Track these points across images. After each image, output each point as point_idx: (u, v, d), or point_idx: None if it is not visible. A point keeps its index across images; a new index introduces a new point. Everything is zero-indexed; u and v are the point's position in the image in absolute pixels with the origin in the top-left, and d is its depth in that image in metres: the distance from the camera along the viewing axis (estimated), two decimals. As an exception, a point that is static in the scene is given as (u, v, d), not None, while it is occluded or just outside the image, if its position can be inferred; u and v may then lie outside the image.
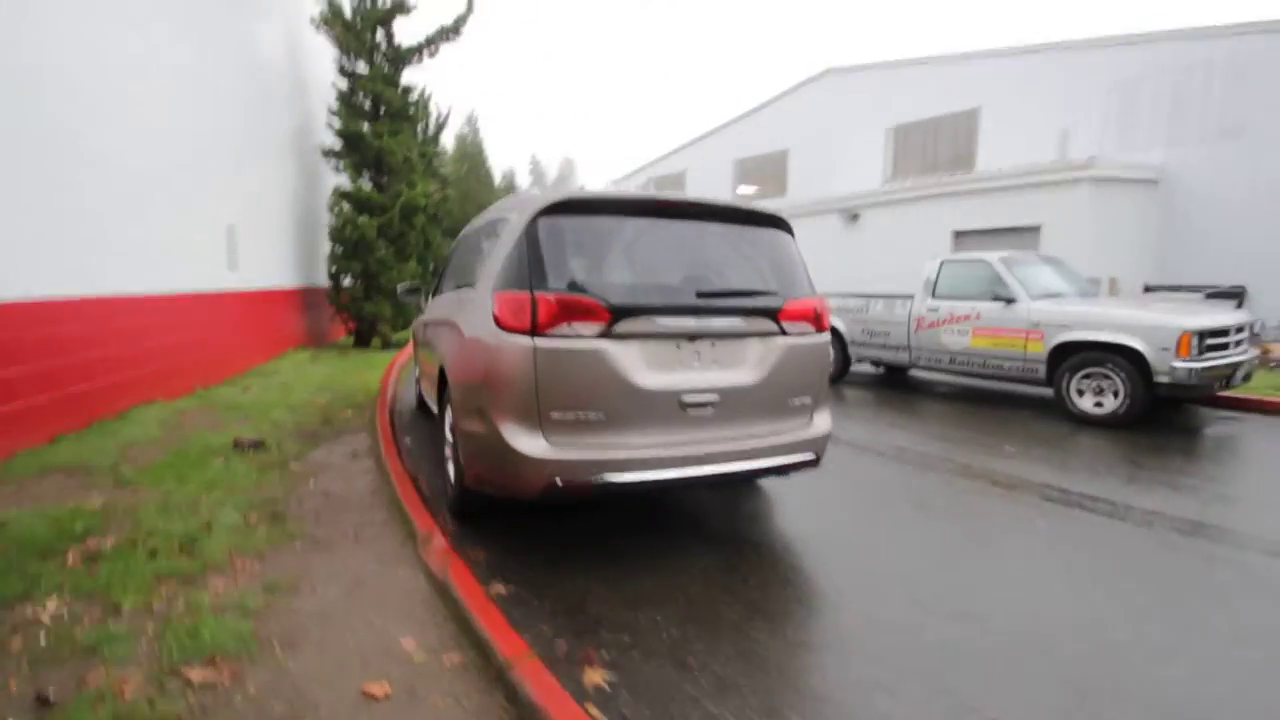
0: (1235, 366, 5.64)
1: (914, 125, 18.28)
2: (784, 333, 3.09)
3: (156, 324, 5.83)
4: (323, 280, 10.44)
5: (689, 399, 2.87)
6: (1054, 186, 12.62)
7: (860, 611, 2.48)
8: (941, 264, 7.37)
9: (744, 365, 3.01)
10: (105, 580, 2.47)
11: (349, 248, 9.71)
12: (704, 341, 2.92)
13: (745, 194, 23.21)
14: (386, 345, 10.54)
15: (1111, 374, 5.73)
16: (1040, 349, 6.21)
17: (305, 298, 9.97)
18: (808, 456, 3.15)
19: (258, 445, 4.62)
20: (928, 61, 18.04)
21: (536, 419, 2.71)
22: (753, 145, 22.50)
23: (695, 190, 24.63)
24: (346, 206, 9.67)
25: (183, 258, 6.37)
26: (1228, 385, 5.72)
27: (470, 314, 3.14)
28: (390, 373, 8.19)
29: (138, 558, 2.68)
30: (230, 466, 4.13)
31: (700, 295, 2.94)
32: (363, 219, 9.60)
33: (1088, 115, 15.08)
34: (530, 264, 2.82)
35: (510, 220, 3.09)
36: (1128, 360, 5.64)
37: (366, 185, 9.99)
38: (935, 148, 18.10)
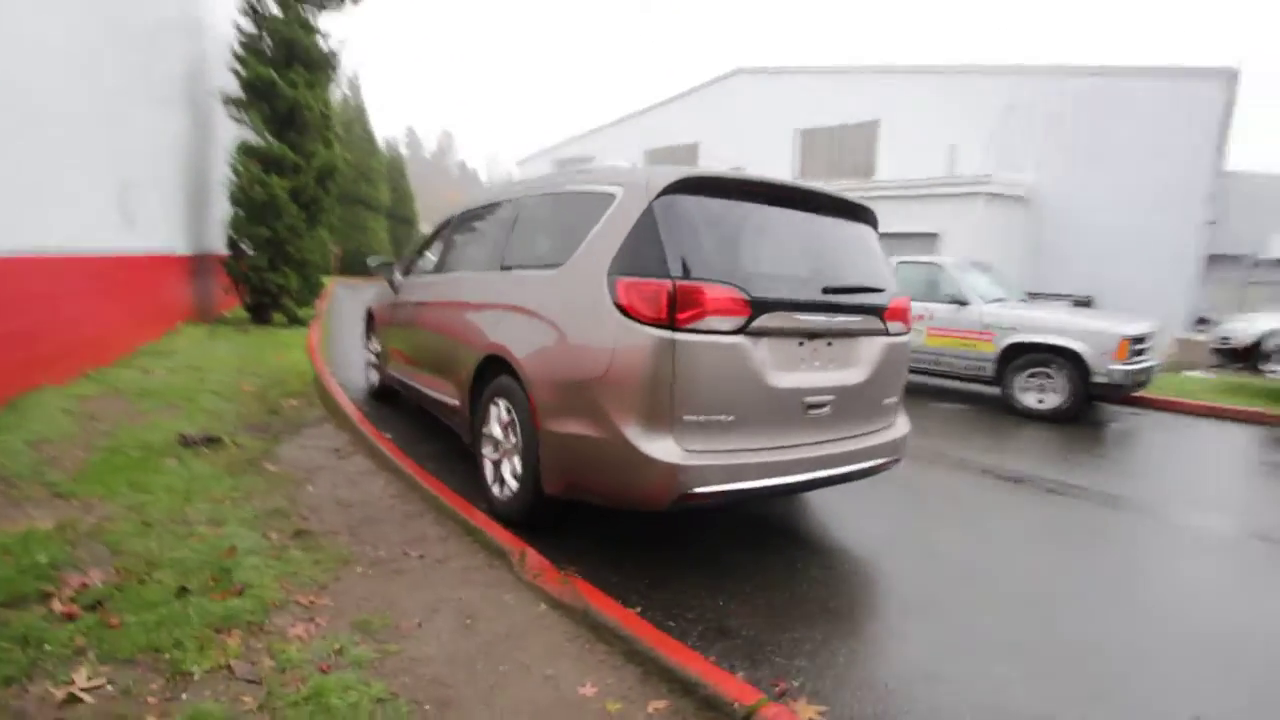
0: (1150, 369, 6.44)
1: (820, 130, 19.20)
2: (886, 331, 3.00)
3: (33, 292, 4.64)
4: (216, 246, 8.98)
5: (810, 400, 2.70)
6: (954, 198, 13.82)
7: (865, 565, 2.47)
8: (897, 264, 7.73)
9: (856, 365, 2.89)
10: (140, 634, 1.84)
11: (254, 211, 8.39)
12: (821, 340, 2.76)
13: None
14: (293, 321, 9.30)
15: (1054, 374, 6.32)
16: (991, 349, 6.71)
17: (194, 265, 8.52)
18: (895, 457, 3.11)
19: (212, 441, 3.81)
20: (833, 71, 19.01)
21: (669, 421, 2.41)
22: (663, 136, 22.56)
23: (604, 175, 24.24)
24: (253, 165, 8.35)
25: (57, 212, 5.11)
26: (1142, 386, 6.52)
27: (562, 300, 2.74)
28: (315, 354, 7.23)
29: (162, 598, 2.04)
30: (189, 468, 3.36)
31: (826, 291, 2.78)
32: (273, 179, 8.34)
33: (973, 134, 16.58)
34: (658, 248, 2.49)
35: (612, 194, 2.72)
36: (1069, 361, 6.24)
37: (276, 142, 8.68)
38: (840, 153, 19.15)
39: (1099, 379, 6.09)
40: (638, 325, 2.40)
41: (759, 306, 2.51)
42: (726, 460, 2.48)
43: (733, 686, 1.74)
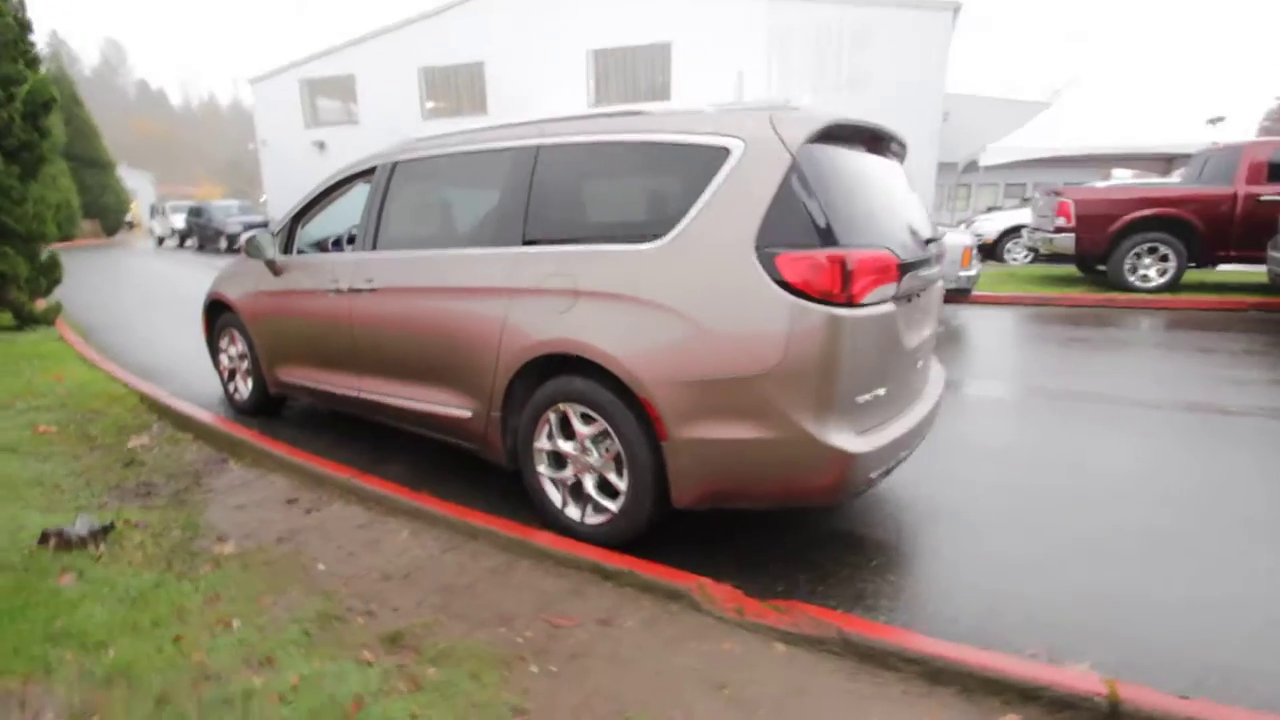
0: (978, 274, 7.63)
1: (613, 51, 18.72)
2: (941, 276, 3.03)
3: None
4: None
5: (917, 358, 2.65)
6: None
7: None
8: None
9: (930, 314, 2.88)
10: None
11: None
12: (918, 294, 2.68)
13: (433, 108, 20.93)
14: (26, 321, 6.75)
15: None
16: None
17: None
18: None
19: (100, 532, 2.60)
20: (621, -13, 18.41)
21: (846, 407, 2.17)
22: (442, 53, 20.17)
23: (374, 101, 21.22)
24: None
25: None
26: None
27: (681, 280, 2.24)
28: (108, 364, 5.39)
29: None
30: (110, 584, 2.25)
31: (926, 243, 2.67)
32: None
33: (757, 59, 17.49)
34: (813, 211, 2.13)
35: (724, 148, 2.24)
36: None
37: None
38: (634, 76, 18.94)
39: (949, 285, 7.05)
40: (814, 304, 2.07)
41: (904, 269, 2.33)
42: (889, 437, 2.33)
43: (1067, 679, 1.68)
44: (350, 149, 21.91)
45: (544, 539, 2.47)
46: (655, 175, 2.48)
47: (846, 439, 2.16)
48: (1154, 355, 5.85)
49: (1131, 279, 8.39)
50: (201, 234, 19.86)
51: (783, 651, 1.93)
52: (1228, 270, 9.31)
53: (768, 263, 2.10)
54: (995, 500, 2.97)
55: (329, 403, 3.72)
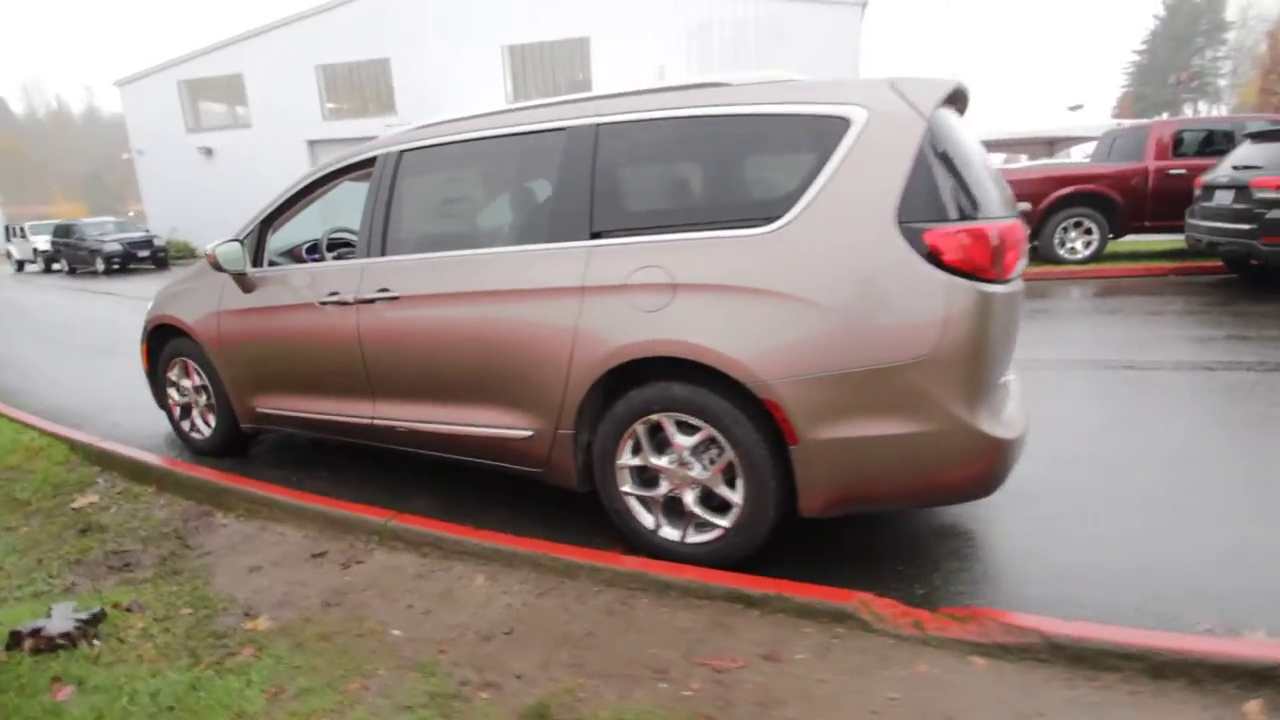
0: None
1: (530, 47, 18.17)
2: None
3: None
4: None
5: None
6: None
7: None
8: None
9: None
10: None
11: None
12: None
13: (334, 109, 19.60)
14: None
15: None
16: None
17: None
18: None
19: (89, 623, 2.05)
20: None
21: (993, 390, 2.02)
22: (341, 49, 18.87)
23: (267, 102, 19.57)
24: None
25: None
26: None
27: (812, 265, 2.00)
28: (6, 408, 4.54)
29: None
30: (123, 688, 1.76)
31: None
32: None
33: (678, 53, 17.50)
34: (952, 181, 1.97)
35: (843, 118, 2.01)
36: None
37: None
38: (553, 72, 18.48)
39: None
40: (970, 282, 1.90)
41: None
42: (1021, 419, 2.21)
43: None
44: (244, 155, 20.16)
45: (662, 568, 2.16)
46: (758, 151, 2.22)
47: (995, 425, 2.00)
48: (1107, 320, 6.20)
49: (1061, 252, 8.94)
50: (72, 256, 17.61)
51: (984, 666, 1.74)
52: (1141, 240, 10.12)
53: (915, 239, 1.91)
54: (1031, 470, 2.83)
55: (325, 433, 3.21)
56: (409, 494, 3.10)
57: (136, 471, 3.37)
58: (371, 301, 2.80)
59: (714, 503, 2.29)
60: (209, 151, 20.30)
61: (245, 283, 3.25)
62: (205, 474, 3.19)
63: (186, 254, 20.51)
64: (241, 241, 3.20)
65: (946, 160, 1.97)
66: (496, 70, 18.21)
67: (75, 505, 3.08)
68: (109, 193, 48.83)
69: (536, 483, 2.62)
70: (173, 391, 3.79)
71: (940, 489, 2.08)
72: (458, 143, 2.75)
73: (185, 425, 3.79)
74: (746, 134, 2.19)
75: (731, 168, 2.26)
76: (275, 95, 19.35)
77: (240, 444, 3.72)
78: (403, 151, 2.86)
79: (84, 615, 2.05)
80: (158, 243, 17.75)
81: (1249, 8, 44.16)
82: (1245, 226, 6.47)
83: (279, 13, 18.78)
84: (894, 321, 1.93)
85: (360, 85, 19.28)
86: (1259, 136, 6.93)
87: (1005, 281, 1.97)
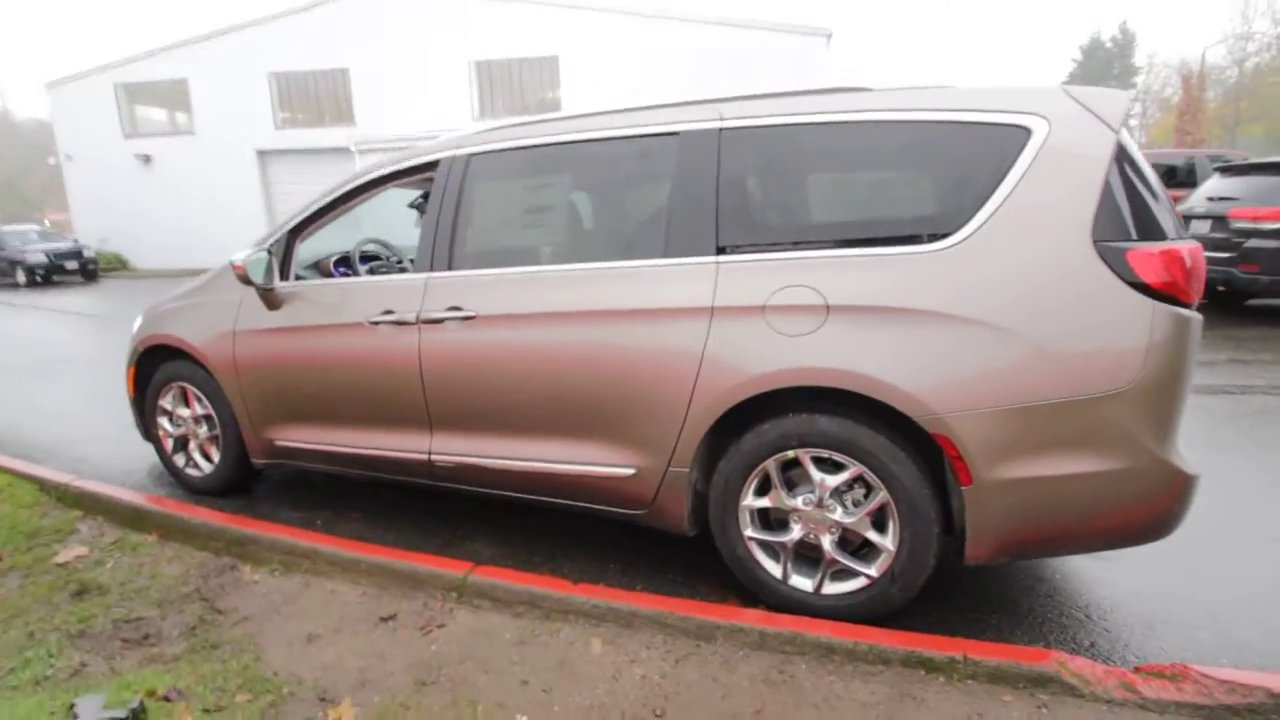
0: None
1: (499, 63, 17.87)
2: None
3: None
4: None
5: None
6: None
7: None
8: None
9: None
10: None
11: None
12: None
13: (288, 118, 18.76)
14: None
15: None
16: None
17: None
18: None
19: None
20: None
21: (1179, 423, 1.87)
22: (297, 57, 18.10)
23: (213, 109, 18.56)
24: None
25: None
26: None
27: (992, 286, 1.81)
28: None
29: None
30: None
31: None
32: None
33: (646, 78, 17.52)
34: (1144, 198, 1.83)
35: (1023, 127, 1.84)
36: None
37: None
38: (521, 89, 18.21)
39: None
40: (1172, 307, 1.75)
41: None
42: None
43: None
44: (186, 163, 18.97)
45: (822, 628, 1.89)
46: (917, 161, 2.02)
47: (1182, 459, 1.85)
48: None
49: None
50: (-12, 267, 16.05)
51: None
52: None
53: (1116, 259, 1.75)
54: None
55: (363, 470, 2.82)
56: (463, 537, 2.75)
57: (129, 516, 2.88)
58: (439, 321, 2.47)
59: (850, 549, 2.05)
60: (147, 159, 19.01)
61: (272, 299, 2.84)
62: (223, 519, 2.73)
63: (118, 266, 19.09)
64: (269, 251, 2.81)
65: (1139, 176, 1.83)
66: (463, 86, 17.82)
67: (59, 560, 2.58)
68: (25, 200, 45.29)
69: (608, 521, 2.34)
70: (164, 421, 3.29)
71: (1121, 531, 1.90)
72: (537, 147, 2.47)
73: (179, 460, 3.30)
74: (904, 142, 2.00)
75: (886, 178, 2.07)
76: (223, 102, 18.34)
77: (244, 481, 3.27)
78: (472, 155, 2.56)
79: (121, 713, 1.63)
80: (88, 254, 16.39)
81: (1154, 55, 48.06)
82: (1223, 255, 6.79)
83: (228, 19, 17.88)
84: (1092, 348, 1.76)
85: (317, 95, 18.49)
86: (1227, 170, 7.33)
87: (1191, 305, 1.84)
